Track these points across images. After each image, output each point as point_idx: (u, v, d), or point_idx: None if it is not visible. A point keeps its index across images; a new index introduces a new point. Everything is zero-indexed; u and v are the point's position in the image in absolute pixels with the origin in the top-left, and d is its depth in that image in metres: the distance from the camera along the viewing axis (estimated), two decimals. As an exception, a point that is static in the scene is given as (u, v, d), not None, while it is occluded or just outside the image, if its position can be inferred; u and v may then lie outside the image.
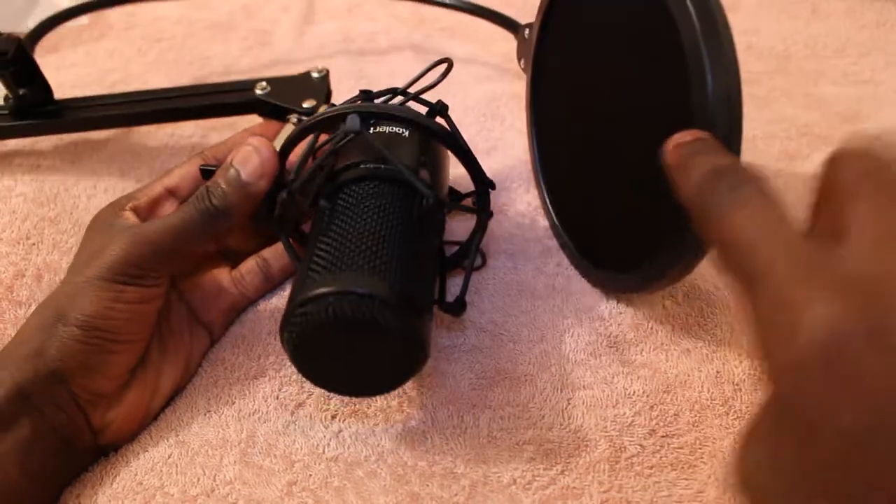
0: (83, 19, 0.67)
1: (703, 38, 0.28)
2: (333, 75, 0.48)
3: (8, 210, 0.46)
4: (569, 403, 0.36)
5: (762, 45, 0.64)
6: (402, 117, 0.34)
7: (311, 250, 0.31)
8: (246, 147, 0.35)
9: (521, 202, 0.48)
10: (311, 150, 0.36)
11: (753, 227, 0.22)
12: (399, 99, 0.37)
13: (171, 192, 0.38)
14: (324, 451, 0.34)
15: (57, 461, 0.32)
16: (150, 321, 0.34)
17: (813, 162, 0.51)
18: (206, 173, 0.37)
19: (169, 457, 0.34)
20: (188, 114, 0.48)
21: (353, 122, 0.33)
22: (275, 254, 0.41)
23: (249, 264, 0.41)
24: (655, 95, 0.33)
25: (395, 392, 0.36)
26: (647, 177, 0.34)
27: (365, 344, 0.29)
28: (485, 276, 0.43)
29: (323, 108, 0.45)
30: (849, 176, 0.22)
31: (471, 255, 0.38)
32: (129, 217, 0.35)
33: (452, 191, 0.43)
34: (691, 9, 0.29)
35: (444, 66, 0.37)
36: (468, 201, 0.40)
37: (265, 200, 0.35)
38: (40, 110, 0.48)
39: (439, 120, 0.37)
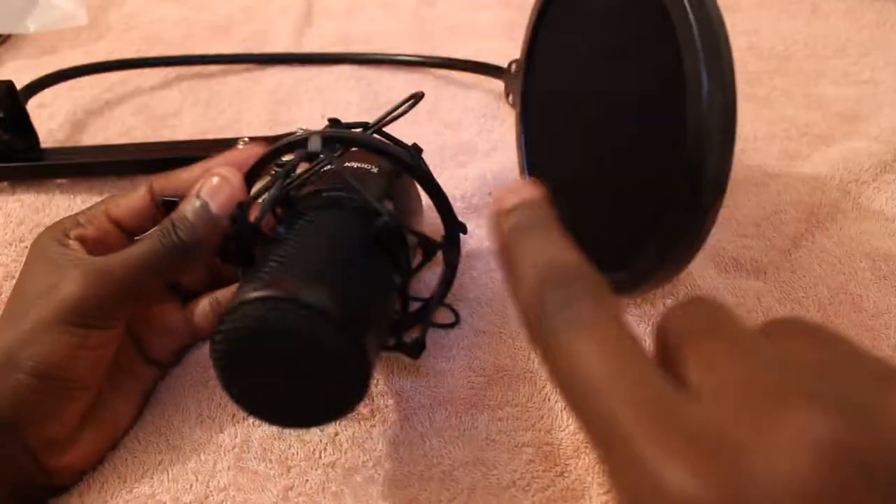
0: (83, 19, 0.67)
1: (703, 53, 0.29)
2: (333, 77, 0.48)
3: (3, 213, 0.46)
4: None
5: (762, 45, 0.64)
6: (367, 143, 0.32)
7: (257, 266, 0.29)
8: (213, 178, 0.32)
9: (520, 203, 0.48)
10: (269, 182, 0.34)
11: (594, 362, 0.18)
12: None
13: (115, 223, 0.35)
14: (320, 456, 0.34)
15: None
16: (107, 364, 0.32)
17: (813, 162, 0.51)
18: (168, 205, 0.34)
19: (160, 463, 0.33)
20: (171, 166, 0.47)
21: (314, 143, 0.30)
22: (228, 294, 0.38)
23: (202, 304, 0.38)
24: (647, 107, 0.33)
25: (392, 392, 0.36)
26: (636, 186, 0.35)
27: (299, 364, 0.26)
28: (485, 278, 0.43)
29: (305, 165, 0.44)
30: (681, 326, 0.20)
31: (437, 293, 0.35)
32: (77, 248, 0.32)
33: (425, 240, 0.39)
34: (693, 23, 0.29)
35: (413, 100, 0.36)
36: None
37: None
38: (23, 156, 0.49)
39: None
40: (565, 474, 0.33)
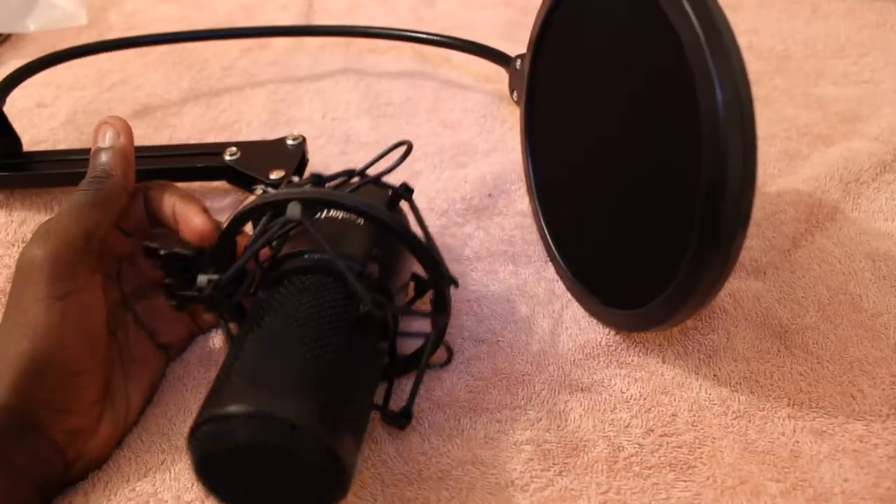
0: (83, 19, 0.67)
1: (708, 49, 0.27)
2: (333, 76, 0.48)
3: (5, 213, 0.46)
4: (566, 405, 0.36)
5: (762, 45, 0.64)
6: (346, 206, 0.30)
7: (238, 349, 0.29)
8: (100, 127, 0.37)
9: (522, 203, 0.48)
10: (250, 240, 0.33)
11: None
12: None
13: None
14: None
15: None
16: (100, 343, 0.33)
17: (813, 162, 0.51)
18: (150, 251, 0.34)
19: (162, 462, 0.34)
20: (155, 176, 0.44)
21: (293, 210, 0.30)
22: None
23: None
24: (659, 117, 0.32)
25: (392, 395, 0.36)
26: (650, 204, 0.34)
27: (277, 471, 0.26)
28: (486, 280, 0.43)
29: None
30: None
31: (423, 360, 0.34)
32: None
33: (417, 278, 0.39)
34: (694, 20, 0.28)
35: (404, 147, 0.35)
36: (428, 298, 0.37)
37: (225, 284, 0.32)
38: (5, 163, 0.46)
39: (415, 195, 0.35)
40: (564, 474, 0.33)
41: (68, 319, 0.31)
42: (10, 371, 0.30)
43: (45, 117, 0.56)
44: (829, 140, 0.53)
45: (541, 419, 0.35)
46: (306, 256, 0.32)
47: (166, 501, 0.32)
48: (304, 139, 0.46)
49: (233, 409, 0.25)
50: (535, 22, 0.42)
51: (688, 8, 0.28)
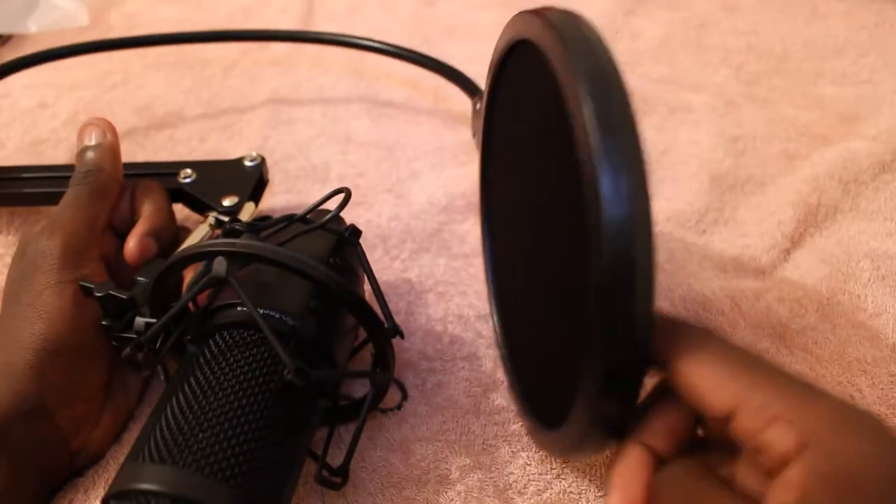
0: (84, 19, 0.67)
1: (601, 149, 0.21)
2: (333, 77, 0.48)
3: (6, 212, 0.46)
4: (566, 405, 0.36)
5: (761, 46, 0.64)
6: (279, 263, 0.28)
7: (161, 410, 0.27)
8: (85, 128, 0.38)
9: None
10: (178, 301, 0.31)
11: None
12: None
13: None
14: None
15: (33, 499, 0.31)
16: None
17: (812, 162, 0.51)
18: (86, 290, 0.33)
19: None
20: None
21: (219, 267, 0.28)
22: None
23: None
24: (566, 213, 0.27)
25: (391, 397, 0.36)
26: (567, 308, 0.28)
27: None
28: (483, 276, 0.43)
29: (248, 207, 0.41)
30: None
31: (361, 417, 0.31)
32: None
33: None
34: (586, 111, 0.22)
35: (343, 195, 0.34)
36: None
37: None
38: None
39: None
40: (562, 477, 0.33)
41: (80, 303, 0.32)
42: (26, 353, 0.30)
43: (47, 117, 0.56)
44: (829, 140, 0.53)
45: (540, 419, 0.35)
46: (238, 309, 0.30)
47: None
48: (262, 160, 0.43)
49: (143, 486, 0.24)
50: (488, 72, 0.36)
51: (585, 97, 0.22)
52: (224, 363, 0.28)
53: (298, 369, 0.27)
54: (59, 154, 0.53)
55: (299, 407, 0.29)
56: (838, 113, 0.56)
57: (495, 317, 0.39)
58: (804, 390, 0.22)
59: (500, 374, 0.38)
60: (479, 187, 0.41)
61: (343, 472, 0.31)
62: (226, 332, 0.30)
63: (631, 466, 0.24)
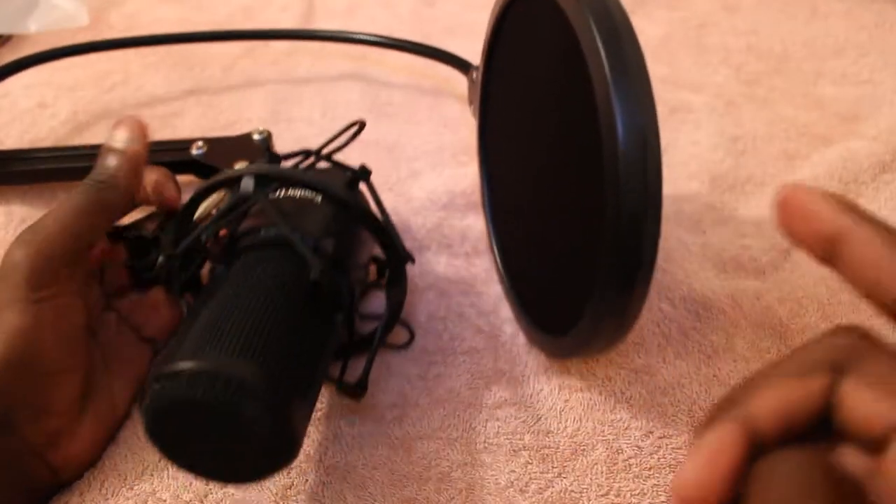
0: (84, 19, 0.67)
1: (612, 76, 0.25)
2: (333, 76, 0.48)
3: (5, 212, 0.46)
4: (566, 405, 0.36)
5: (761, 46, 0.64)
6: (299, 181, 0.31)
7: (192, 316, 0.29)
8: (118, 125, 0.35)
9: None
10: (185, 215, 0.34)
11: None
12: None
13: None
14: (321, 458, 0.34)
15: None
16: (77, 344, 0.32)
17: (812, 162, 0.51)
18: (115, 232, 0.35)
19: (160, 460, 0.33)
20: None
21: (246, 184, 0.31)
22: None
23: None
24: (573, 147, 0.30)
25: (392, 392, 0.37)
26: (572, 236, 0.32)
27: (225, 432, 0.26)
28: (485, 275, 0.43)
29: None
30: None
31: (376, 338, 0.35)
32: None
33: (378, 261, 0.40)
34: (598, 39, 0.26)
35: (356, 127, 0.36)
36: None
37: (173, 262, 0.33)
38: None
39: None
40: (563, 475, 0.33)
41: (43, 323, 0.30)
42: None
43: (47, 117, 0.56)
44: (828, 140, 0.53)
45: (540, 419, 0.36)
46: (262, 232, 0.32)
47: (164, 501, 0.32)
48: (269, 134, 0.46)
49: (181, 366, 0.25)
50: (485, 37, 0.41)
51: (595, 32, 0.26)
52: (252, 273, 0.30)
53: (323, 270, 0.29)
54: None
55: (322, 313, 0.31)
56: (838, 113, 0.56)
57: (496, 254, 0.42)
58: None
59: (502, 367, 0.38)
60: (477, 143, 0.45)
61: (362, 385, 0.34)
62: (250, 253, 0.31)
63: (724, 441, 0.19)
